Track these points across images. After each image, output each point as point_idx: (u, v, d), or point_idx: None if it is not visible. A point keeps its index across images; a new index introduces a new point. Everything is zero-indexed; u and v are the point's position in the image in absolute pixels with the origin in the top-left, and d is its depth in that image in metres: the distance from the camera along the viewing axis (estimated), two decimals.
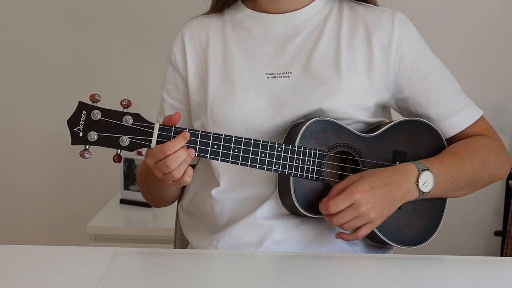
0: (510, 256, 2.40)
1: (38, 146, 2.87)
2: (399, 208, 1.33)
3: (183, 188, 1.48)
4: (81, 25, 2.80)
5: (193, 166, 1.48)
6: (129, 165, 2.53)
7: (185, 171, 1.22)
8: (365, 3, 1.42)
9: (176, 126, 1.23)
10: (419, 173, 1.28)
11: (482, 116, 1.42)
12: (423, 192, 1.29)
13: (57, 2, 2.79)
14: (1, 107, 2.86)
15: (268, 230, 1.33)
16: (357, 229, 1.27)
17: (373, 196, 1.25)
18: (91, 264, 1.20)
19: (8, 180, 2.91)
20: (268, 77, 1.35)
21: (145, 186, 1.48)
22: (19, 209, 2.92)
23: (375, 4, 1.44)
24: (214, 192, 1.37)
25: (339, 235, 1.29)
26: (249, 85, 1.35)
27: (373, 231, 1.32)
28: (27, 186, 2.90)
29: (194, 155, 1.22)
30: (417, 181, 1.28)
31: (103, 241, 2.36)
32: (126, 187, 2.56)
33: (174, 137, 1.21)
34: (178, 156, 1.20)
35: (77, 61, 2.83)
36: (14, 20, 2.81)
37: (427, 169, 1.29)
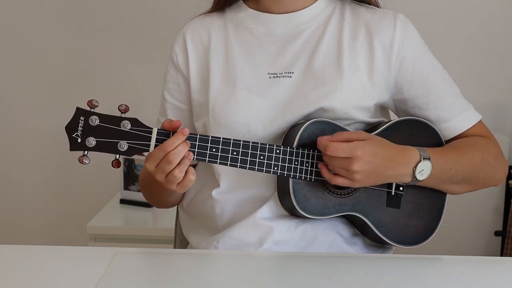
0: (510, 256, 2.40)
1: (38, 146, 2.87)
2: (398, 207, 1.34)
3: None
4: (81, 25, 2.80)
5: (194, 166, 1.48)
6: (129, 165, 2.53)
7: (187, 170, 1.22)
8: (367, 5, 1.42)
9: (175, 131, 1.22)
10: (420, 161, 1.28)
11: (480, 120, 1.43)
12: (416, 179, 1.29)
13: (56, 2, 2.79)
14: (1, 107, 2.86)
15: (268, 231, 1.33)
16: (336, 174, 1.26)
17: (370, 164, 1.24)
18: (91, 264, 1.20)
19: (8, 180, 2.91)
20: (270, 77, 1.35)
21: (148, 192, 1.48)
22: (19, 209, 2.92)
23: (377, 6, 1.44)
24: (214, 193, 1.37)
25: (320, 165, 1.27)
26: (251, 85, 1.35)
27: (372, 230, 1.32)
28: (27, 186, 2.90)
29: (192, 158, 1.22)
30: (415, 166, 1.28)
31: (103, 241, 2.36)
32: (126, 187, 2.56)
33: None
34: (179, 151, 1.20)
35: (77, 61, 2.83)
36: (13, 20, 2.81)
37: (429, 159, 1.29)
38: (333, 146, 1.23)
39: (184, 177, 1.22)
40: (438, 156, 1.31)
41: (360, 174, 1.24)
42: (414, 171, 1.28)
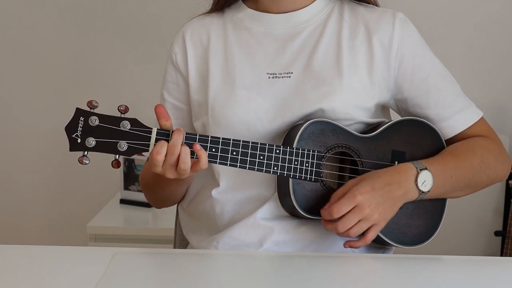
0: (510, 256, 2.40)
1: (38, 146, 2.87)
2: (400, 208, 1.33)
3: None
4: (81, 26, 2.80)
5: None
6: (129, 165, 2.53)
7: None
8: (366, 4, 1.42)
9: (173, 129, 1.22)
10: (418, 172, 1.28)
11: (482, 117, 1.42)
12: (422, 192, 1.29)
13: (56, 2, 2.79)
14: (1, 107, 2.86)
15: (269, 231, 1.33)
16: (363, 234, 1.26)
17: (375, 197, 1.24)
18: (91, 264, 1.20)
19: (8, 180, 2.91)
20: (269, 77, 1.35)
21: (150, 190, 1.48)
22: (19, 209, 2.92)
23: (376, 5, 1.44)
24: (214, 192, 1.37)
25: (347, 244, 1.28)
26: (250, 85, 1.35)
27: None
28: (27, 186, 2.91)
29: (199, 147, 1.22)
30: (416, 180, 1.28)
31: (103, 241, 2.36)
32: (126, 187, 2.56)
33: None
34: (175, 139, 1.20)
35: (77, 61, 2.83)
36: (13, 20, 2.81)
37: (426, 169, 1.29)
38: (335, 207, 1.23)
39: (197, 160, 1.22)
40: (435, 165, 1.31)
41: (375, 213, 1.24)
42: (417, 185, 1.28)
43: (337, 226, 1.24)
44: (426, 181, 1.29)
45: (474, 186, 1.38)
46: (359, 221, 1.23)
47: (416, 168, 1.29)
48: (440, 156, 1.35)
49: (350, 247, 1.28)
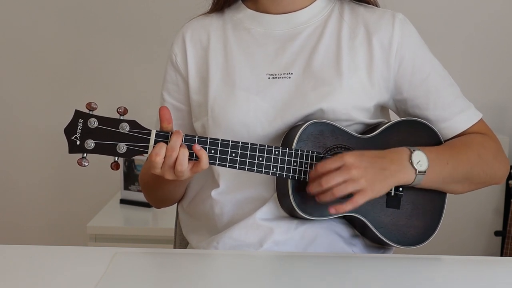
0: (510, 256, 2.40)
1: (38, 146, 2.87)
2: (398, 208, 1.33)
3: None
4: (81, 26, 2.80)
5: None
6: (129, 165, 2.53)
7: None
8: (365, 4, 1.42)
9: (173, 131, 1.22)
10: (411, 152, 1.27)
11: (481, 119, 1.42)
12: (419, 172, 1.27)
13: (56, 2, 2.79)
14: (1, 107, 2.86)
15: (268, 232, 1.33)
16: (351, 198, 1.22)
17: (363, 162, 1.23)
18: (91, 264, 1.20)
19: (8, 180, 2.91)
20: (269, 78, 1.35)
21: (150, 190, 1.48)
22: (19, 209, 2.92)
23: (376, 5, 1.44)
24: (214, 193, 1.37)
25: (333, 208, 1.23)
26: (250, 85, 1.35)
27: (372, 230, 1.32)
28: (27, 186, 2.91)
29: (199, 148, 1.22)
30: (410, 159, 1.27)
31: (103, 241, 2.36)
32: (126, 187, 2.56)
33: None
34: (174, 141, 1.20)
35: (77, 61, 2.83)
36: (13, 21, 2.81)
37: (419, 150, 1.28)
38: (320, 163, 1.22)
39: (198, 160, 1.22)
40: (430, 150, 1.30)
41: (362, 177, 1.21)
42: (412, 164, 1.27)
43: (321, 180, 1.21)
44: (421, 161, 1.27)
45: (472, 180, 1.37)
46: (345, 181, 1.21)
47: (409, 149, 1.28)
48: (435, 147, 1.35)
49: (336, 210, 1.22)
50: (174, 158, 1.20)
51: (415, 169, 1.27)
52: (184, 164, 1.20)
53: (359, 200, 1.22)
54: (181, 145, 1.21)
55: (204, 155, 1.21)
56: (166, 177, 1.22)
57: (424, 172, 1.28)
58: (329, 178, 1.21)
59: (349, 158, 1.22)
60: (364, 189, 1.22)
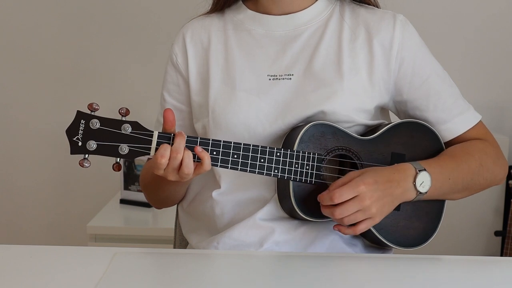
0: (510, 256, 2.40)
1: (38, 146, 2.88)
2: (398, 209, 1.33)
3: None
4: (81, 26, 2.80)
5: None
6: (129, 165, 2.53)
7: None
8: (366, 5, 1.42)
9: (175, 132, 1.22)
10: (417, 173, 1.28)
11: (480, 121, 1.42)
12: (420, 193, 1.29)
13: (57, 3, 2.79)
14: (1, 107, 2.86)
15: (269, 231, 1.33)
16: (356, 224, 1.25)
17: (377, 191, 1.24)
18: (91, 264, 1.20)
19: (9, 180, 2.91)
20: (270, 79, 1.35)
21: (151, 191, 1.48)
22: (19, 209, 2.92)
23: (377, 6, 1.44)
24: (214, 193, 1.37)
25: (337, 227, 1.26)
26: (250, 87, 1.35)
27: (372, 232, 1.32)
28: (28, 186, 2.91)
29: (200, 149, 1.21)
30: (414, 181, 1.28)
31: (103, 241, 2.36)
32: (126, 187, 2.56)
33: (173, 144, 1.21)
34: (178, 143, 1.19)
35: (77, 62, 2.83)
36: (13, 21, 2.81)
37: (425, 170, 1.29)
38: (337, 192, 1.22)
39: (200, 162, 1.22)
40: (434, 166, 1.31)
41: (374, 206, 1.23)
42: (415, 186, 1.28)
43: (335, 211, 1.22)
44: (424, 182, 1.29)
45: (472, 188, 1.38)
46: (356, 210, 1.22)
47: (415, 168, 1.29)
48: (438, 158, 1.35)
49: (339, 230, 1.26)
50: (179, 160, 1.19)
51: (417, 191, 1.28)
52: (190, 166, 1.20)
53: (363, 228, 1.25)
54: (184, 148, 1.20)
55: (206, 157, 1.21)
56: (169, 179, 1.22)
57: (426, 192, 1.29)
58: (343, 210, 1.22)
59: (365, 188, 1.22)
60: (373, 217, 1.24)
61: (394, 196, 1.26)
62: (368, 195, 1.22)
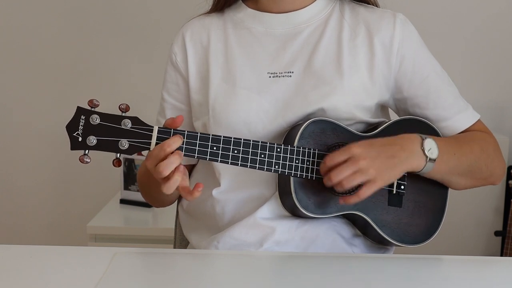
0: (510, 256, 2.40)
1: (38, 146, 2.88)
2: (400, 206, 1.33)
3: None
4: (81, 26, 2.80)
5: (193, 166, 1.48)
6: (129, 165, 2.53)
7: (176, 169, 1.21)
8: (366, 4, 1.43)
9: (176, 129, 1.22)
10: (423, 139, 1.28)
11: (479, 119, 1.43)
12: (430, 159, 1.27)
13: (57, 2, 2.79)
14: (1, 107, 2.86)
15: (269, 231, 1.33)
16: (358, 189, 1.23)
17: (371, 152, 1.23)
18: (91, 264, 1.20)
19: (9, 180, 2.91)
20: (270, 76, 1.35)
21: (145, 189, 1.49)
22: (20, 209, 2.92)
23: (376, 5, 1.44)
24: (215, 192, 1.37)
25: (342, 199, 1.24)
26: (251, 84, 1.35)
27: (374, 229, 1.32)
28: (28, 186, 2.91)
29: (181, 154, 1.20)
30: (422, 145, 1.27)
31: (103, 241, 2.36)
32: (126, 187, 2.56)
33: None
34: (171, 162, 1.18)
35: (77, 61, 2.83)
36: (14, 21, 2.81)
37: (430, 137, 1.28)
38: (328, 157, 1.23)
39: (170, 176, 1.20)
40: (438, 139, 1.31)
41: (370, 166, 1.21)
42: (423, 151, 1.27)
43: (331, 175, 1.22)
44: (432, 148, 1.28)
45: (474, 173, 1.37)
46: (354, 173, 1.21)
47: (421, 136, 1.28)
48: (441, 137, 1.35)
49: (345, 202, 1.24)
50: (166, 154, 1.19)
51: (426, 156, 1.27)
52: (169, 168, 1.18)
53: (367, 191, 1.22)
54: (177, 152, 1.20)
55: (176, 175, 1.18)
56: (149, 167, 1.21)
57: (434, 160, 1.28)
58: (337, 172, 1.21)
59: (356, 149, 1.22)
60: (373, 179, 1.22)
61: (398, 159, 1.25)
62: (362, 156, 1.21)
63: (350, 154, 1.22)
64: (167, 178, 1.19)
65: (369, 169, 1.22)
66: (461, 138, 1.37)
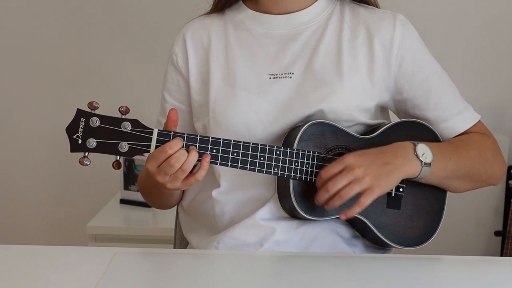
0: (510, 256, 2.40)
1: (38, 146, 2.88)
2: (398, 208, 1.33)
3: None
4: (81, 27, 2.80)
5: (193, 167, 1.48)
6: (129, 165, 2.53)
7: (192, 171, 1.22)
8: (366, 5, 1.42)
9: (175, 132, 1.22)
10: (415, 145, 1.28)
11: (479, 120, 1.42)
12: (425, 164, 1.27)
13: (56, 3, 2.79)
14: (1, 108, 2.86)
15: (269, 232, 1.33)
16: (358, 199, 1.22)
17: (366, 159, 1.23)
18: (91, 264, 1.20)
19: (9, 180, 2.91)
20: (270, 78, 1.35)
21: (147, 193, 1.48)
22: (20, 209, 2.92)
23: (376, 6, 1.44)
24: (214, 193, 1.37)
25: (343, 214, 1.24)
26: (251, 85, 1.35)
27: (373, 231, 1.32)
28: (28, 186, 2.91)
29: (208, 160, 1.22)
30: (415, 151, 1.27)
31: (103, 241, 2.36)
32: (126, 187, 2.56)
33: None
34: (181, 155, 1.20)
35: (77, 62, 2.83)
36: (14, 21, 2.81)
37: (422, 143, 1.28)
38: (323, 169, 1.23)
39: (191, 175, 1.22)
40: (432, 145, 1.30)
41: (366, 174, 1.21)
42: (417, 156, 1.27)
43: (327, 186, 1.22)
44: (425, 153, 1.28)
45: (473, 177, 1.37)
46: (350, 182, 1.21)
47: (412, 142, 1.28)
48: (436, 143, 1.35)
49: (346, 216, 1.23)
50: (167, 156, 1.19)
51: (421, 161, 1.27)
52: (180, 161, 1.19)
53: (366, 200, 1.22)
54: (190, 148, 1.20)
55: (206, 164, 1.21)
56: (157, 179, 1.22)
57: (430, 164, 1.28)
58: (334, 182, 1.21)
59: (350, 159, 1.23)
60: (370, 187, 1.22)
61: (393, 165, 1.25)
62: (357, 164, 1.22)
63: (345, 164, 1.22)
64: (175, 176, 1.20)
65: (365, 177, 1.22)
66: (457, 142, 1.37)
